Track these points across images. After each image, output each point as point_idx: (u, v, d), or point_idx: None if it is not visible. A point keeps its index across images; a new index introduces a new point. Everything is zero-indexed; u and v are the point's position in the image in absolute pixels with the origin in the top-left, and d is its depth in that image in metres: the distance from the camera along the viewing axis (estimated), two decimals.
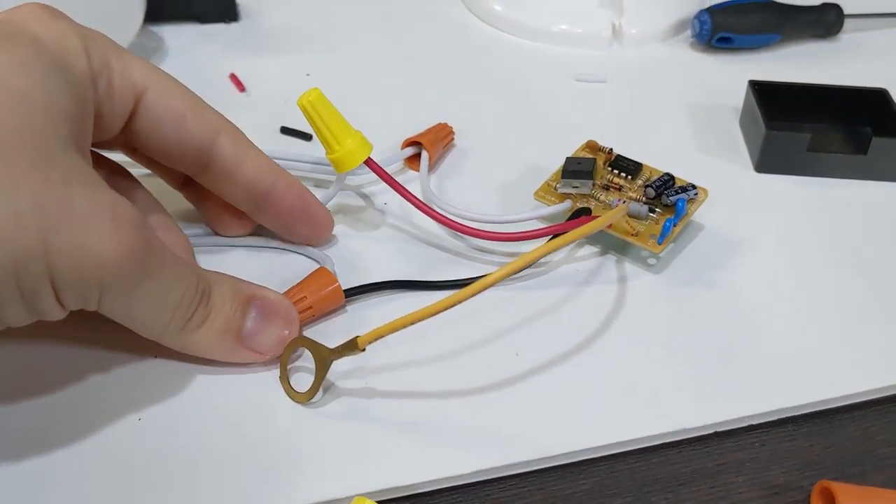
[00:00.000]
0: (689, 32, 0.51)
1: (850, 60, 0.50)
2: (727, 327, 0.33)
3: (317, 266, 0.33)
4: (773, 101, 0.42)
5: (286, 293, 0.31)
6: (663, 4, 0.52)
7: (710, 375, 0.31)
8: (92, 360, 0.30)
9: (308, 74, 0.47)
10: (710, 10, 0.49)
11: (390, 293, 0.33)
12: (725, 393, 0.30)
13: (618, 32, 0.51)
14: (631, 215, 0.35)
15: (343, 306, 0.32)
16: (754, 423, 0.30)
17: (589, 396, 0.30)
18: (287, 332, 0.30)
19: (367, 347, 0.28)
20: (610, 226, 0.34)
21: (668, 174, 0.36)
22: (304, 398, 0.29)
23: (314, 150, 0.41)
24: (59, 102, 0.26)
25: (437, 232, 0.36)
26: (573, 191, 0.36)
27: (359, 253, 0.35)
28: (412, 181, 0.39)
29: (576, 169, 0.36)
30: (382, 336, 0.28)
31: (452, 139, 0.41)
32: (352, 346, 0.28)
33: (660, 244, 0.34)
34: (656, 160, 0.36)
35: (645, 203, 0.35)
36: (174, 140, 0.30)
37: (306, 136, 0.42)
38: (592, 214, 0.35)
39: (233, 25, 0.51)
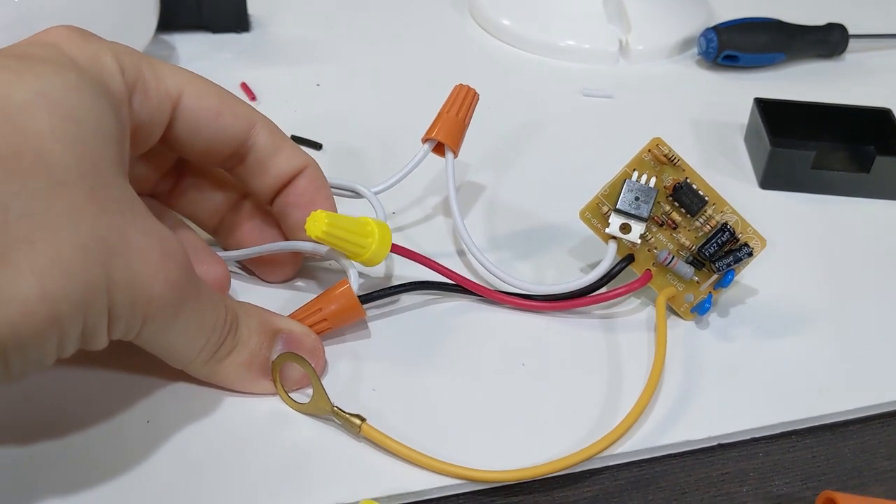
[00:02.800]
0: (695, 50, 0.52)
1: (854, 80, 0.51)
2: (731, 341, 0.33)
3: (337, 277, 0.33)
4: (778, 118, 0.42)
5: (305, 306, 0.31)
6: (670, 22, 0.53)
7: (715, 388, 0.31)
8: (101, 364, 0.30)
9: (318, 84, 0.47)
10: (717, 29, 0.50)
11: (410, 294, 0.34)
12: (729, 405, 0.30)
13: (625, 49, 0.51)
14: (675, 272, 0.33)
15: (364, 317, 0.32)
16: (758, 435, 0.30)
17: (593, 406, 0.30)
18: (313, 360, 0.30)
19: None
20: (651, 278, 0.33)
21: (726, 226, 0.33)
22: (294, 406, 0.29)
23: (325, 159, 0.41)
24: (107, 126, 0.25)
25: (453, 234, 0.37)
26: (621, 236, 0.33)
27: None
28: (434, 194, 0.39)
29: (633, 202, 0.33)
30: (383, 446, 0.28)
31: (476, 98, 0.37)
32: (353, 425, 0.28)
33: (692, 313, 0.33)
34: None
35: (691, 261, 0.33)
36: (213, 138, 0.30)
37: (317, 146, 0.42)
38: (637, 276, 0.33)
39: (244, 35, 0.52)
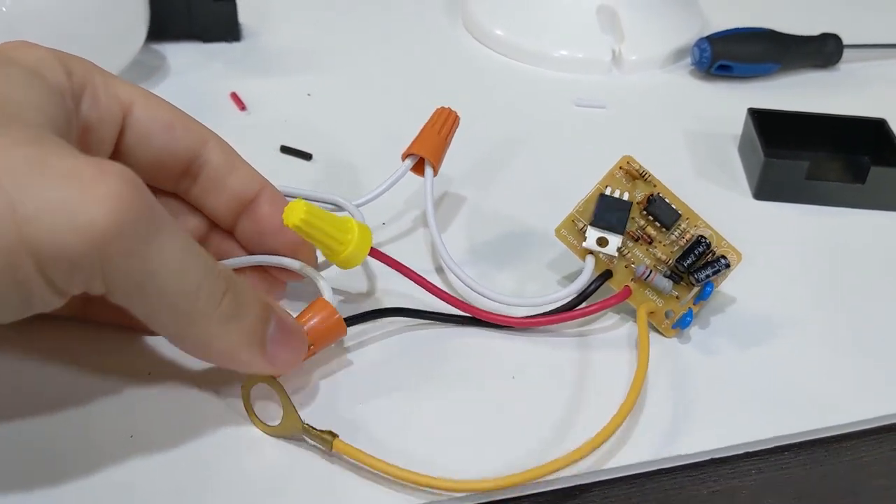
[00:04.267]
0: (688, 60, 0.52)
1: (848, 90, 0.50)
2: (722, 355, 0.32)
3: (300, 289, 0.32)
4: (772, 129, 0.42)
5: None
6: (664, 32, 0.53)
7: (707, 402, 0.31)
8: (86, 378, 0.30)
9: (309, 94, 0.47)
10: (710, 39, 0.50)
11: (390, 320, 0.33)
12: (721, 420, 0.30)
13: (618, 58, 0.51)
14: (653, 286, 0.33)
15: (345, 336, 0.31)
16: (750, 450, 0.30)
17: (583, 422, 0.30)
18: (301, 352, 0.28)
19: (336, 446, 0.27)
20: (629, 296, 0.33)
21: (702, 239, 0.33)
22: (276, 430, 0.28)
23: (315, 169, 0.41)
24: (33, 98, 0.24)
25: (434, 252, 0.36)
26: (598, 249, 0.32)
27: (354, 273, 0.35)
28: (415, 200, 0.39)
29: (609, 216, 0.33)
30: (358, 461, 0.27)
31: (457, 121, 0.37)
32: (325, 441, 0.27)
33: (673, 328, 0.33)
34: None
35: (670, 275, 0.33)
36: (164, 150, 0.30)
37: (306, 156, 0.42)
38: (616, 291, 0.33)
39: (235, 45, 0.51)
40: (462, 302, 0.32)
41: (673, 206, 0.33)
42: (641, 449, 0.29)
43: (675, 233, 0.33)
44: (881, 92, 0.50)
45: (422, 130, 0.36)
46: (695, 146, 0.45)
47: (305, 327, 0.29)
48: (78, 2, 0.42)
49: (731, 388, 0.31)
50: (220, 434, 0.28)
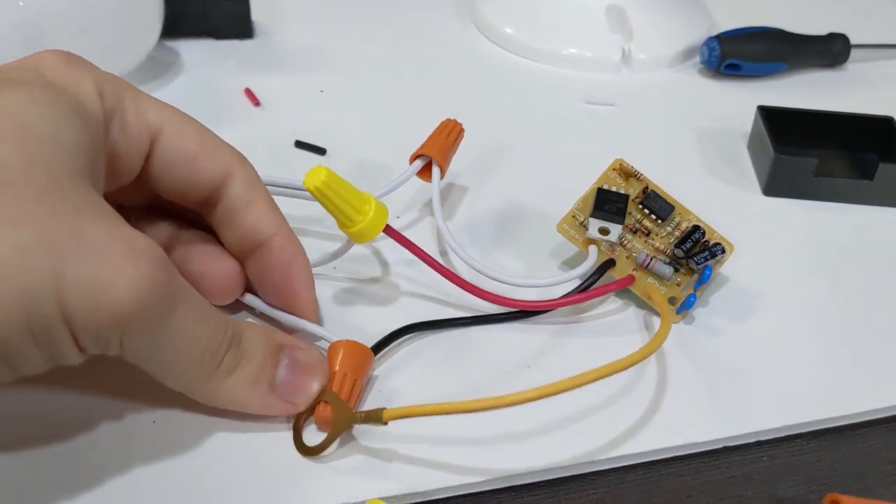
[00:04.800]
0: (697, 59, 0.52)
1: (856, 89, 0.51)
2: (736, 346, 0.33)
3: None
4: (781, 126, 0.42)
5: (331, 381, 0.29)
6: (673, 31, 0.53)
7: (720, 392, 0.31)
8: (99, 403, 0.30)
9: (322, 91, 0.47)
10: (719, 38, 0.50)
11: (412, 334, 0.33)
12: (735, 409, 0.30)
13: (627, 57, 0.52)
14: (654, 273, 0.34)
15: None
16: (763, 438, 0.30)
17: (599, 409, 0.30)
18: (319, 383, 0.28)
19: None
20: (632, 283, 0.33)
21: (697, 227, 0.34)
22: (312, 453, 0.28)
23: (329, 164, 0.42)
24: (70, 138, 0.25)
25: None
26: (601, 237, 0.34)
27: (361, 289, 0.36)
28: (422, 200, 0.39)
29: (608, 206, 0.34)
30: (410, 416, 0.27)
31: (462, 133, 0.38)
32: (376, 418, 0.27)
33: (678, 314, 0.33)
34: (666, 183, 0.37)
35: (670, 262, 0.34)
36: (186, 181, 0.30)
37: (321, 150, 0.42)
38: (620, 277, 0.33)
39: (248, 42, 0.52)
40: (471, 284, 0.32)
41: (666, 200, 0.35)
42: (657, 437, 0.29)
43: (671, 225, 0.35)
44: (889, 91, 0.51)
45: (429, 137, 0.37)
46: (704, 144, 0.45)
47: (344, 369, 0.29)
48: None
49: (743, 378, 0.32)
50: (243, 422, 0.29)
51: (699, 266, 0.33)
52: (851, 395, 0.31)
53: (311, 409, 0.28)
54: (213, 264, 0.31)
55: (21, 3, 0.41)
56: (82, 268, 0.23)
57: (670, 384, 0.31)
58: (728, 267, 0.36)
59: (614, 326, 0.34)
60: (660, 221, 0.35)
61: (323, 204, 0.29)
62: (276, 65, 0.50)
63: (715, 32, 0.51)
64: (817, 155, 0.42)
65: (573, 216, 0.35)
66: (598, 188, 0.35)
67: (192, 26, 0.51)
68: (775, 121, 0.43)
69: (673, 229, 0.35)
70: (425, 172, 0.36)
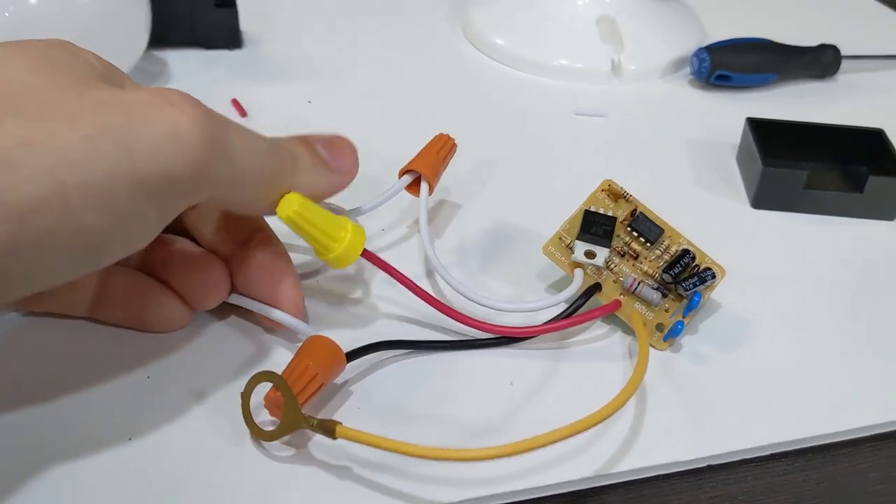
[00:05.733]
0: (687, 69, 0.52)
1: (846, 101, 0.51)
2: (721, 362, 0.33)
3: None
4: (770, 138, 0.42)
5: (289, 367, 0.28)
6: (663, 41, 0.53)
7: (704, 410, 0.31)
8: (85, 376, 0.30)
9: (310, 101, 0.47)
10: (709, 49, 0.50)
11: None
12: (718, 428, 0.30)
13: (617, 68, 0.51)
14: (641, 298, 0.33)
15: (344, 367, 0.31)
16: (747, 457, 0.30)
17: (587, 411, 0.30)
18: (354, 150, 0.31)
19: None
20: (618, 308, 0.32)
21: (687, 251, 0.33)
22: (261, 437, 0.28)
23: None
24: (100, 68, 0.26)
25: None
26: (587, 261, 0.33)
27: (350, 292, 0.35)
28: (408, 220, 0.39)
29: (595, 229, 0.33)
30: (361, 442, 0.26)
31: (454, 149, 0.38)
32: (328, 430, 0.27)
33: (665, 341, 0.33)
34: (654, 195, 0.36)
35: (658, 287, 0.33)
36: None
37: None
38: (606, 302, 0.33)
39: (236, 52, 0.52)
40: (452, 310, 0.32)
41: (655, 222, 0.34)
42: (640, 456, 0.29)
43: (660, 248, 0.34)
44: (879, 102, 0.50)
45: (420, 152, 0.37)
46: (693, 155, 0.45)
47: (314, 368, 0.28)
48: (80, 8, 0.42)
49: (729, 395, 0.31)
50: (219, 438, 0.28)
51: (688, 292, 0.33)
52: (839, 413, 0.31)
53: (251, 387, 0.28)
54: (201, 269, 0.31)
55: (7, 14, 0.41)
56: (142, 135, 0.24)
57: (654, 402, 0.31)
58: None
59: (600, 351, 0.33)
60: (648, 244, 0.34)
61: (298, 233, 0.29)
62: (265, 75, 0.50)
63: (705, 43, 0.51)
64: (807, 167, 0.41)
65: (559, 238, 0.34)
66: (585, 210, 0.34)
67: (180, 36, 0.51)
68: (764, 133, 0.43)
69: (662, 252, 0.34)
70: (414, 187, 0.36)
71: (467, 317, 0.31)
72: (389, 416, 0.30)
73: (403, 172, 0.36)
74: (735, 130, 0.45)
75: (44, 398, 0.29)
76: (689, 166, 0.44)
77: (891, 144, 0.42)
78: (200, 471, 0.27)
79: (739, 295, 0.35)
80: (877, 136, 0.43)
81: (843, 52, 0.52)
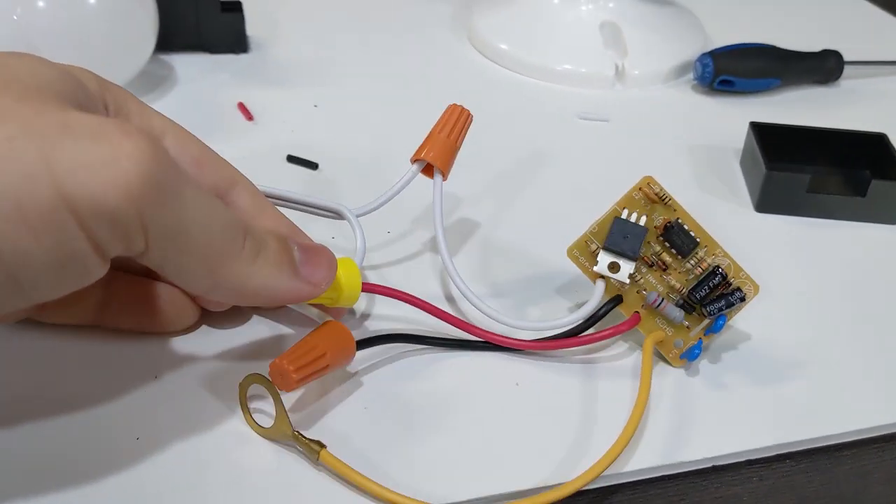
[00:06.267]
0: (691, 75, 0.52)
1: (849, 106, 0.51)
2: (726, 364, 0.33)
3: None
4: (773, 142, 0.42)
5: (296, 344, 0.28)
6: (666, 47, 0.53)
7: (708, 409, 0.31)
8: (92, 380, 0.30)
9: (315, 105, 0.47)
10: (713, 54, 0.50)
11: (396, 345, 0.32)
12: (724, 428, 0.30)
13: (621, 73, 0.52)
14: (664, 316, 0.32)
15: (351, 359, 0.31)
16: (751, 458, 0.30)
17: (587, 428, 0.30)
18: (334, 264, 0.29)
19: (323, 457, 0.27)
20: (638, 322, 0.32)
21: (717, 269, 0.32)
22: (256, 429, 0.28)
23: (321, 179, 0.42)
24: (62, 83, 0.25)
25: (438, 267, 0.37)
26: (610, 275, 0.32)
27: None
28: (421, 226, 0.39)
29: (623, 241, 0.31)
30: (341, 474, 0.27)
31: (470, 120, 0.35)
32: (312, 451, 0.27)
33: (681, 359, 0.32)
34: None
35: (682, 305, 0.32)
36: None
37: (312, 165, 0.42)
38: (625, 318, 0.32)
39: (242, 56, 0.52)
40: (464, 322, 0.32)
41: (692, 233, 0.32)
42: (644, 456, 0.29)
43: (692, 261, 0.32)
44: (881, 107, 0.51)
45: (431, 132, 0.34)
46: (697, 159, 0.45)
47: (322, 350, 0.28)
48: (88, 12, 0.43)
49: (734, 396, 0.31)
50: (227, 438, 0.29)
51: (712, 315, 0.32)
52: (842, 414, 0.31)
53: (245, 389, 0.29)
54: (171, 288, 0.31)
55: (14, 17, 0.41)
56: (75, 150, 0.22)
57: (659, 402, 0.31)
58: None
59: (609, 353, 0.33)
60: (680, 257, 0.32)
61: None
62: (271, 79, 0.50)
63: (708, 49, 0.51)
64: (810, 171, 0.42)
65: (586, 242, 0.33)
66: (616, 218, 0.32)
67: (186, 40, 0.51)
68: (768, 137, 0.43)
69: (694, 266, 0.32)
70: (428, 171, 0.35)
71: (478, 328, 0.32)
72: (394, 418, 0.30)
73: (414, 160, 0.34)
74: (738, 135, 0.45)
75: (54, 398, 0.29)
76: (692, 170, 0.44)
77: (893, 149, 0.42)
78: (208, 470, 0.28)
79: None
80: (879, 140, 0.43)
81: (846, 57, 0.52)
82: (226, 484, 0.27)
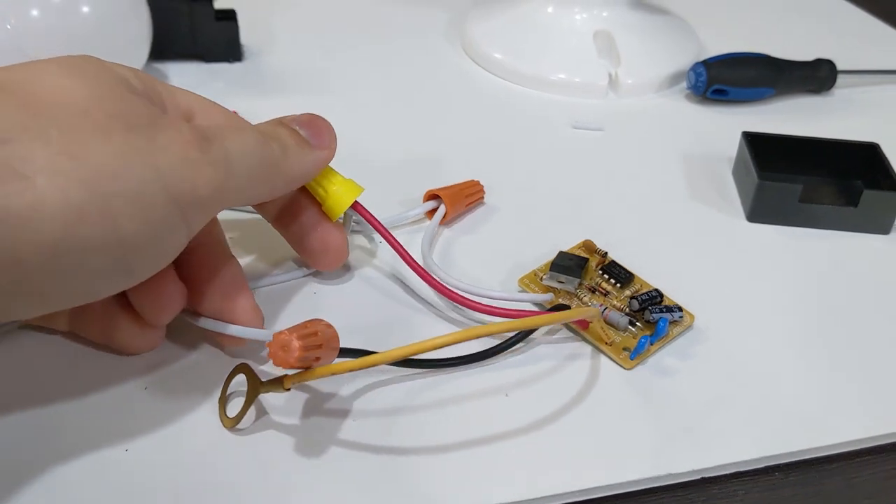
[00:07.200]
0: (684, 84, 0.52)
1: (842, 115, 0.51)
2: (714, 375, 0.33)
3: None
4: (765, 152, 0.42)
5: (297, 326, 0.28)
6: (660, 56, 0.53)
7: (697, 422, 0.31)
8: (80, 389, 0.30)
9: None
10: (706, 63, 0.50)
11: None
12: (712, 440, 0.30)
13: (615, 82, 0.52)
14: (609, 323, 0.34)
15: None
16: (740, 469, 0.30)
17: (573, 442, 0.30)
18: (330, 127, 0.33)
19: (292, 387, 0.29)
20: (586, 328, 0.34)
21: (657, 290, 0.35)
22: (230, 423, 0.29)
23: None
24: (121, 85, 0.28)
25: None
26: (558, 286, 0.35)
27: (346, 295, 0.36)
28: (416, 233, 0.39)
29: (566, 265, 0.36)
30: (306, 381, 0.28)
31: (482, 198, 0.41)
32: (277, 384, 0.28)
33: (632, 359, 0.33)
34: (650, 208, 0.37)
35: (627, 314, 0.34)
36: None
37: None
38: (583, 320, 0.34)
39: (236, 65, 0.52)
40: (434, 278, 0.34)
41: (626, 270, 0.36)
42: (629, 469, 0.29)
43: (630, 290, 0.36)
44: (875, 117, 0.51)
45: (451, 186, 0.40)
46: (690, 169, 0.45)
47: (320, 339, 0.28)
48: (81, 20, 0.43)
49: (721, 408, 0.31)
50: (215, 448, 0.29)
51: (654, 318, 0.33)
52: (829, 426, 0.31)
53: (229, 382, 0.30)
54: (153, 285, 0.30)
55: (8, 27, 0.41)
56: (168, 155, 0.26)
57: (645, 415, 0.31)
58: (710, 292, 0.36)
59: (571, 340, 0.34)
60: (619, 286, 0.36)
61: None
62: (265, 88, 0.50)
63: (702, 58, 0.51)
64: (802, 181, 0.42)
65: (534, 273, 0.36)
66: (560, 252, 0.36)
67: (181, 49, 0.51)
68: (760, 147, 0.43)
69: (633, 294, 0.35)
70: (431, 213, 0.39)
71: (448, 288, 0.34)
72: (383, 426, 0.30)
73: (428, 197, 0.39)
74: (731, 144, 0.45)
75: (42, 407, 0.29)
76: (685, 180, 0.44)
77: (885, 159, 0.42)
78: (196, 481, 0.28)
79: (733, 307, 0.36)
80: (871, 150, 0.43)
81: (840, 66, 0.52)
82: (214, 495, 0.27)
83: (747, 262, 0.39)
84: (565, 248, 0.37)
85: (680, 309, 0.34)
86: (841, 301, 0.37)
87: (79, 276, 0.25)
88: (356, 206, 0.34)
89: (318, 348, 0.27)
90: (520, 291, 0.36)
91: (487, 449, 0.29)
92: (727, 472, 0.30)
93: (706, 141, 0.48)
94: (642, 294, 0.35)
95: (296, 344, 0.26)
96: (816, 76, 0.52)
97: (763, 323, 0.35)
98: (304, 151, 0.32)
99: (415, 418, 0.30)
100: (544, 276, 0.36)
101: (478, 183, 0.41)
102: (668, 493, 0.29)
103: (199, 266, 0.32)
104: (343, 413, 0.30)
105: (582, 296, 0.35)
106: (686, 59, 0.53)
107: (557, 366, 0.33)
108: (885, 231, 0.41)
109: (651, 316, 0.34)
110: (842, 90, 0.53)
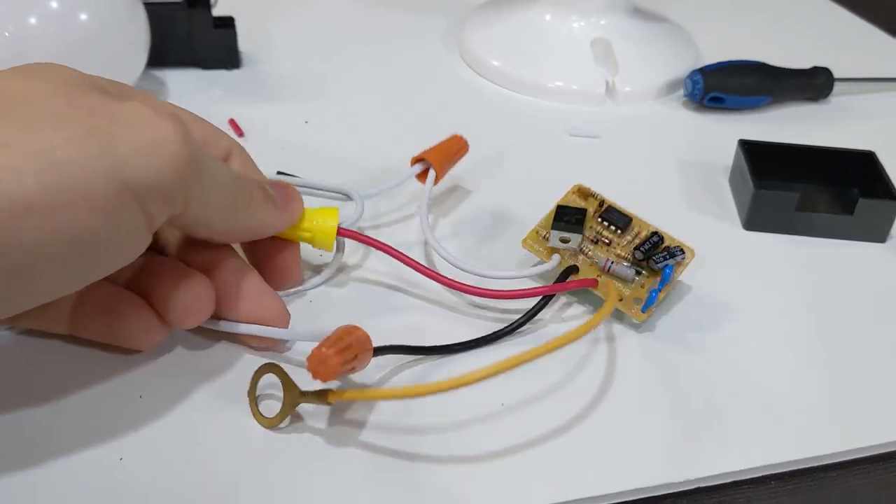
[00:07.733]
0: (681, 91, 0.52)
1: (839, 123, 0.51)
2: (713, 384, 0.33)
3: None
4: (762, 160, 0.43)
5: (326, 340, 0.28)
6: (657, 63, 0.53)
7: (695, 431, 0.31)
8: (76, 395, 0.30)
9: (306, 122, 0.48)
10: (703, 71, 0.50)
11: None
12: (710, 449, 0.30)
13: (612, 90, 0.52)
14: (616, 276, 0.35)
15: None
16: (738, 479, 0.30)
17: (572, 450, 0.30)
18: (299, 197, 0.34)
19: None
20: (597, 286, 0.35)
21: (655, 233, 0.36)
22: (269, 423, 0.29)
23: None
24: (94, 80, 0.28)
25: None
26: (562, 246, 0.36)
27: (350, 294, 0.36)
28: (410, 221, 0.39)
29: (567, 219, 0.36)
30: (354, 399, 0.28)
31: (466, 150, 0.41)
32: (321, 397, 0.29)
33: (643, 312, 0.34)
34: (647, 216, 0.37)
35: (631, 265, 0.35)
36: None
37: None
38: (583, 277, 0.35)
39: (234, 72, 0.52)
40: (432, 270, 0.34)
41: (623, 213, 0.37)
42: (628, 477, 0.29)
43: (630, 235, 0.36)
44: (871, 125, 0.51)
45: (434, 146, 0.40)
46: (686, 176, 0.45)
47: (355, 350, 0.29)
48: (79, 27, 0.43)
49: (720, 417, 0.31)
50: (211, 457, 0.29)
51: (659, 266, 0.34)
52: (828, 435, 0.31)
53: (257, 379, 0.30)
54: (183, 286, 0.31)
55: (7, 34, 0.41)
56: (127, 140, 0.25)
57: (645, 423, 0.31)
58: (706, 302, 0.36)
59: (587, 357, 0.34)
60: (619, 232, 0.36)
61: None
62: (262, 95, 0.50)
63: (699, 65, 0.51)
64: (799, 189, 0.42)
65: (536, 232, 0.37)
66: (558, 205, 0.37)
67: (178, 55, 0.51)
68: (756, 155, 0.43)
69: (633, 238, 0.36)
70: (422, 176, 0.39)
71: (452, 280, 0.34)
72: (386, 417, 0.30)
73: (415, 162, 0.39)
74: (728, 152, 0.45)
75: (36, 416, 0.29)
76: (681, 188, 0.44)
77: (882, 167, 0.42)
78: (193, 490, 0.28)
79: (731, 316, 0.36)
80: (868, 158, 0.43)
81: (836, 74, 0.52)
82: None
83: (743, 270, 0.39)
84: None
85: (681, 250, 0.35)
86: (836, 310, 0.37)
87: (38, 268, 0.25)
88: (342, 232, 0.35)
89: (355, 358, 0.28)
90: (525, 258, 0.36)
91: (464, 455, 0.29)
92: (725, 481, 0.30)
93: (703, 149, 0.48)
94: (643, 243, 0.35)
95: (335, 360, 0.27)
96: (813, 84, 0.52)
97: (760, 331, 0.35)
98: (267, 207, 0.32)
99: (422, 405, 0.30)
100: (548, 234, 0.36)
101: (460, 137, 0.41)
102: (667, 501, 0.29)
103: (225, 272, 0.32)
104: (347, 410, 0.30)
105: (586, 250, 0.36)
106: (683, 66, 0.53)
107: (557, 365, 0.33)
108: (881, 239, 0.41)
109: (656, 265, 0.34)
110: (838, 98, 0.53)
